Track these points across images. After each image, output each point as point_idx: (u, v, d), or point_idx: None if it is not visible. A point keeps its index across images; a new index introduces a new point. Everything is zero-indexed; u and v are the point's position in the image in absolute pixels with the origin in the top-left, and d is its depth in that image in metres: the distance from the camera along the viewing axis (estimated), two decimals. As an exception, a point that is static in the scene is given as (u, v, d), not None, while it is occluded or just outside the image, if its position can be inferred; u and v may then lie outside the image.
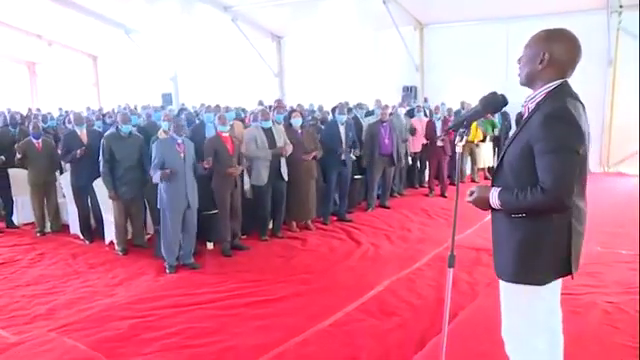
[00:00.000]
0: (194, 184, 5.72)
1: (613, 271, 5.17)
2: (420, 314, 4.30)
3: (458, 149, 2.52)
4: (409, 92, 13.90)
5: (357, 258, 6.00)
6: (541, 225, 2.26)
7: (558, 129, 2.14)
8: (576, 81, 2.31)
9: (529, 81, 2.34)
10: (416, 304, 4.57)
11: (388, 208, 8.42)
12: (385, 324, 4.19)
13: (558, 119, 2.15)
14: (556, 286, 2.41)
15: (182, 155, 5.60)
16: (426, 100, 13.09)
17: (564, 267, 2.32)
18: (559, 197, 2.13)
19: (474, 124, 9.77)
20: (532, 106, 2.33)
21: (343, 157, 7.46)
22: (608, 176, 11.07)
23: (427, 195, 9.38)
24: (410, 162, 9.85)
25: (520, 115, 10.24)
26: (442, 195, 9.21)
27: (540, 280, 2.31)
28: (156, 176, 5.53)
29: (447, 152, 9.03)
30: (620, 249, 5.86)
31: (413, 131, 9.31)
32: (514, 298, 2.43)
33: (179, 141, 5.63)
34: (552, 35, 2.29)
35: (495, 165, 2.45)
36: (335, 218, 7.72)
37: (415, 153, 9.87)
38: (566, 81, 2.30)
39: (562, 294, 4.36)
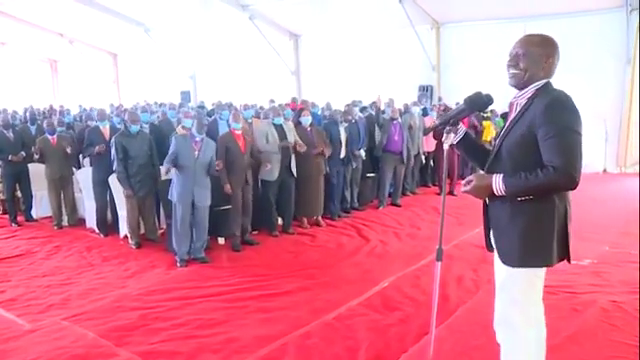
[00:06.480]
0: (205, 182, 5.79)
1: (620, 271, 5.15)
2: (422, 310, 4.32)
3: (445, 146, 2.62)
4: (425, 91, 13.88)
5: (364, 254, 6.06)
6: (545, 208, 2.36)
7: (563, 113, 2.28)
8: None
9: (527, 82, 2.41)
10: (419, 300, 4.60)
11: (399, 206, 8.46)
12: (387, 319, 4.24)
13: (562, 105, 2.30)
14: (544, 275, 2.51)
15: (196, 153, 5.67)
16: (440, 99, 13.07)
17: (563, 251, 2.44)
18: (571, 174, 2.23)
19: (488, 123, 9.77)
20: (522, 101, 2.43)
21: (342, 156, 7.58)
22: (624, 176, 10.93)
23: (438, 194, 9.38)
24: (423, 161, 9.86)
25: (506, 113, 10.19)
26: (451, 193, 8.91)
27: (546, 261, 2.41)
28: (163, 168, 5.69)
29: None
30: (630, 249, 5.79)
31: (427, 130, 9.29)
32: (515, 284, 2.48)
33: (197, 139, 5.71)
34: (550, 40, 2.44)
35: (491, 155, 2.53)
36: (345, 214, 7.83)
37: (429, 152, 9.88)
38: (549, 80, 2.44)
39: (564, 292, 4.39)
